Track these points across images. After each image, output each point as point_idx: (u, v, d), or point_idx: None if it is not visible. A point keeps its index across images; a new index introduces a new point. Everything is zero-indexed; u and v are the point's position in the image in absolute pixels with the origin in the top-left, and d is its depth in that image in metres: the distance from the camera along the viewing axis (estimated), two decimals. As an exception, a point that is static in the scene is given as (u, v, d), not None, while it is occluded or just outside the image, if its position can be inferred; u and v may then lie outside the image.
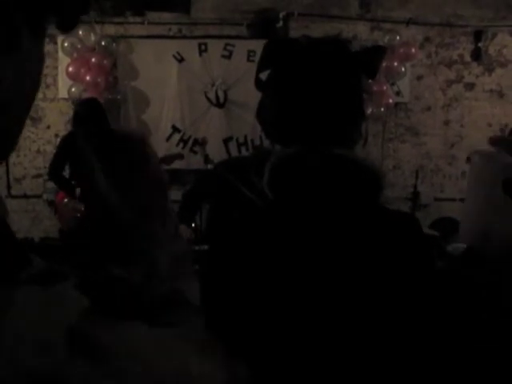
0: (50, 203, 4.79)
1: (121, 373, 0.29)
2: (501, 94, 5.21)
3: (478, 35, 5.08)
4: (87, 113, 3.68)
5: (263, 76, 0.93)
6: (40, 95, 4.90)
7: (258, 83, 0.93)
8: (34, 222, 5.00)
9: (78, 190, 3.77)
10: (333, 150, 0.86)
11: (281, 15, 4.81)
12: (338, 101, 0.89)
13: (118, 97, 4.84)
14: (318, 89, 0.88)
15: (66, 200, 3.88)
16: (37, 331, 0.28)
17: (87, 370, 0.28)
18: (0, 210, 0.31)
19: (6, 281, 0.29)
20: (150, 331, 0.32)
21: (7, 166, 4.86)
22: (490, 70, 5.19)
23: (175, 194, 5.00)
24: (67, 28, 0.33)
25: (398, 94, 5.03)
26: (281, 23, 4.81)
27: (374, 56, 0.92)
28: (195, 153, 4.78)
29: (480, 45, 5.09)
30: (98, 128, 3.70)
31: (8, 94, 0.30)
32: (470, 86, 5.21)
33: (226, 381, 0.33)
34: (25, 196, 4.99)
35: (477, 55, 5.13)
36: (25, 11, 0.30)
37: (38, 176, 4.97)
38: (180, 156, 4.05)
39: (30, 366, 0.26)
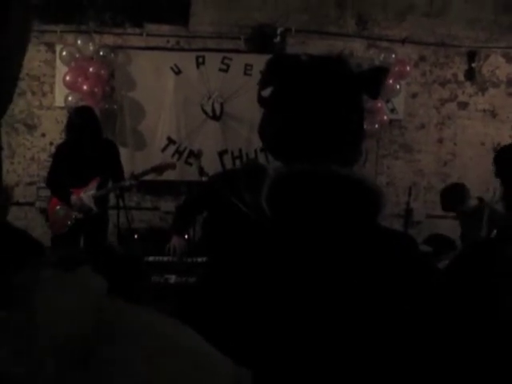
0: (43, 211, 4.76)
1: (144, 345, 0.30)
2: (493, 114, 5.29)
3: (471, 56, 5.17)
4: (81, 121, 3.69)
5: (265, 92, 0.93)
6: (36, 103, 4.90)
7: (261, 100, 0.93)
8: (27, 229, 4.95)
9: (72, 198, 3.76)
10: (334, 169, 0.87)
11: (278, 31, 4.87)
12: (340, 120, 0.90)
13: (115, 107, 4.85)
14: (320, 107, 0.89)
15: (58, 207, 3.86)
16: (63, 311, 0.29)
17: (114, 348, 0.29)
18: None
19: (29, 265, 0.30)
20: (157, 314, 0.34)
21: (0, 172, 4.83)
22: (483, 89, 5.27)
23: (169, 206, 5.00)
24: None
25: (392, 111, 5.08)
26: (278, 39, 4.86)
27: (377, 76, 0.93)
28: (190, 165, 4.79)
29: (473, 65, 5.18)
30: (92, 136, 3.71)
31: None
32: (464, 105, 5.28)
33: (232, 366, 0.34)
34: (17, 203, 4.96)
35: (470, 75, 5.21)
36: None
37: (32, 183, 4.95)
38: (172, 165, 4.03)
39: (60, 340, 0.27)
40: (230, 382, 0.33)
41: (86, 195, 3.79)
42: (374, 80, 0.92)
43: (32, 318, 0.27)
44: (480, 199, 3.83)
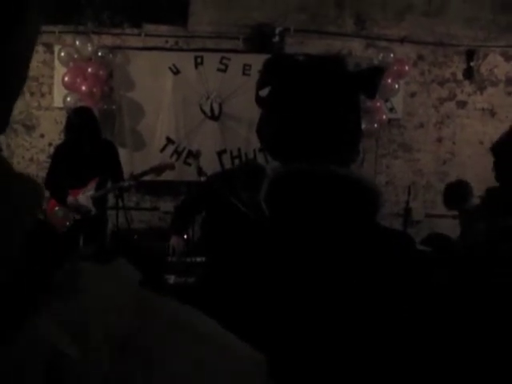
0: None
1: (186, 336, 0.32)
2: (492, 113, 5.29)
3: (470, 55, 5.17)
4: (80, 121, 3.69)
5: (263, 92, 0.94)
6: (35, 103, 4.89)
7: (258, 100, 0.94)
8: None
9: (69, 199, 3.76)
10: (332, 168, 0.88)
11: (277, 30, 4.87)
12: (337, 119, 0.91)
13: (114, 107, 4.84)
14: (318, 107, 0.90)
15: (56, 208, 3.86)
16: (108, 300, 0.30)
17: (157, 331, 0.31)
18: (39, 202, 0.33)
19: (68, 258, 0.31)
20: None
21: None
22: (481, 88, 5.28)
23: (168, 206, 5.00)
24: None
25: (391, 110, 5.09)
26: (277, 38, 4.86)
27: (373, 76, 0.93)
28: (189, 165, 4.78)
29: (472, 64, 5.18)
30: (91, 136, 3.71)
31: (9, 67, 0.32)
32: (462, 104, 5.29)
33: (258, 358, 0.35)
34: (16, 204, 4.95)
35: (469, 74, 5.21)
36: None
37: (31, 184, 4.94)
38: (171, 166, 4.03)
39: (108, 330, 0.28)
40: (251, 365, 0.34)
41: (85, 196, 3.79)
42: (371, 80, 0.93)
43: (80, 308, 0.28)
44: (482, 198, 3.82)
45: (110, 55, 4.77)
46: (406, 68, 4.98)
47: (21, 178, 0.31)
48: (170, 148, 4.92)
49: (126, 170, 3.97)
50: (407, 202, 4.77)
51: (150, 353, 0.29)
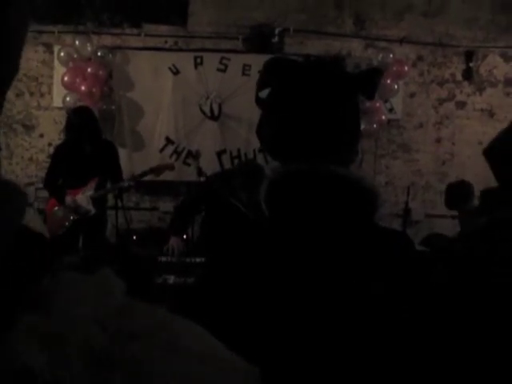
0: (41, 212, 4.75)
1: (167, 347, 0.31)
2: (491, 114, 5.30)
3: (469, 55, 5.18)
4: (80, 121, 3.69)
5: (262, 93, 0.95)
6: (34, 103, 4.89)
7: (258, 101, 0.95)
8: (24, 230, 4.95)
9: (67, 199, 3.75)
10: (332, 169, 0.88)
11: (276, 31, 4.88)
12: (337, 120, 0.92)
13: (113, 107, 4.84)
14: (317, 108, 0.91)
15: (56, 208, 3.86)
16: (88, 312, 0.29)
17: (137, 347, 0.30)
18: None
19: (50, 270, 0.30)
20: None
21: (-1, 173, 4.82)
22: (480, 89, 5.28)
23: (167, 206, 5.01)
24: None
25: (390, 110, 5.09)
26: (276, 39, 4.87)
27: (372, 77, 0.94)
28: (188, 165, 4.78)
29: (471, 65, 5.19)
30: (91, 136, 3.71)
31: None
32: (462, 105, 5.29)
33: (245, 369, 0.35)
34: (15, 204, 4.95)
35: (468, 75, 5.22)
36: None
37: (30, 184, 4.94)
38: (170, 166, 4.03)
39: (86, 342, 0.27)
40: (241, 380, 0.33)
41: (84, 196, 3.79)
42: (370, 81, 0.94)
43: (52, 323, 0.28)
44: (480, 200, 3.80)
45: (110, 55, 4.77)
46: (406, 68, 4.99)
47: (5, 186, 0.31)
48: (170, 148, 4.92)
49: (126, 170, 3.97)
50: (406, 203, 4.77)
51: (137, 366, 0.29)
